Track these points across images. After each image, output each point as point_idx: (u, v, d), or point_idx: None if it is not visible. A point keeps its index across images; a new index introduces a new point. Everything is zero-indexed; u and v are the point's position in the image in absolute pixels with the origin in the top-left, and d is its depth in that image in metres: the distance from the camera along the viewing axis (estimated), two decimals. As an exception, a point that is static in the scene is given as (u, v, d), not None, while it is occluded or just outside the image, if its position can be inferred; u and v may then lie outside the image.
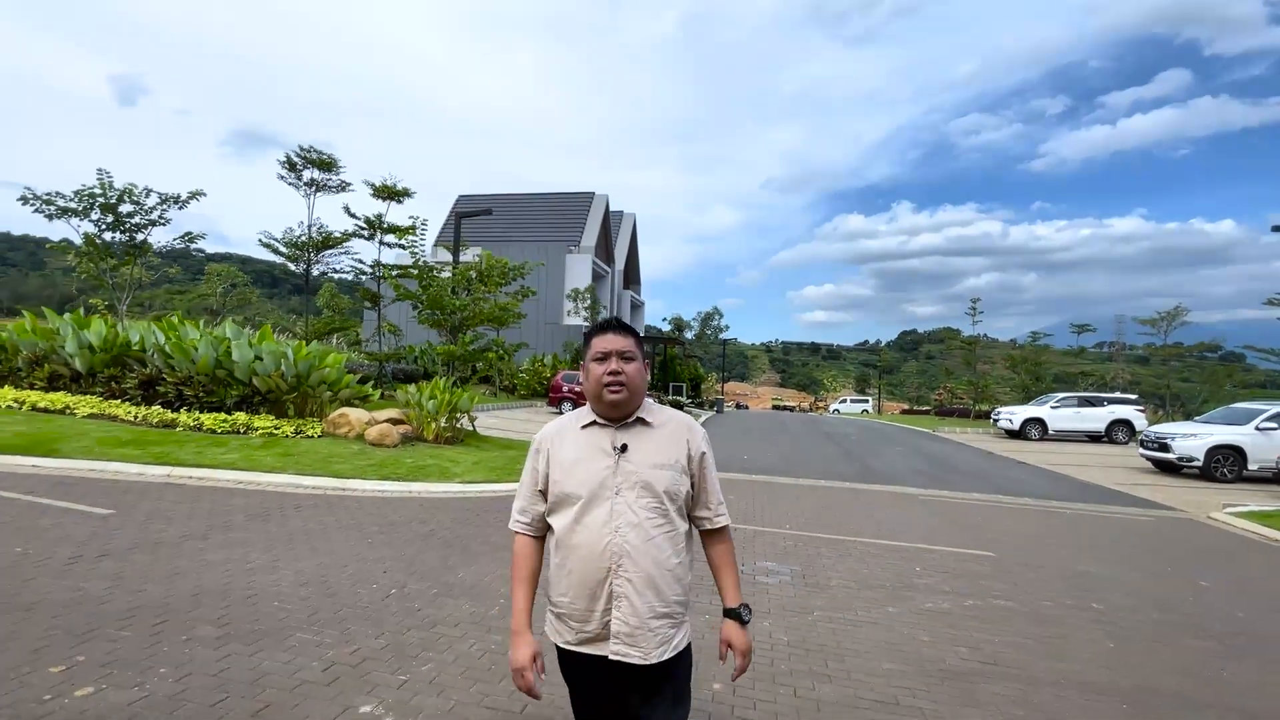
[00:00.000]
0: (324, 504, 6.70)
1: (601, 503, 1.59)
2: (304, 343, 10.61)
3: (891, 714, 3.11)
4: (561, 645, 1.64)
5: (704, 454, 1.71)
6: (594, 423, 1.68)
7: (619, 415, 1.66)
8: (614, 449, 1.63)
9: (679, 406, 28.54)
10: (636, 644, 1.56)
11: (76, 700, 2.67)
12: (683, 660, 1.65)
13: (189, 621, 3.53)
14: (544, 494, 1.70)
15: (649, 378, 1.76)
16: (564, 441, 1.69)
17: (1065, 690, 3.48)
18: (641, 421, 1.68)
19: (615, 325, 1.71)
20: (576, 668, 1.65)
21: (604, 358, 1.64)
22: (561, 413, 21.97)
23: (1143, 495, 10.93)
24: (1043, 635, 4.28)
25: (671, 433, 1.68)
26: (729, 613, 1.70)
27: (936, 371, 59.09)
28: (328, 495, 7.11)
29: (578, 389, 22.40)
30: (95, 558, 4.45)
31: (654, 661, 1.56)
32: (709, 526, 1.74)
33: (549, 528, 1.70)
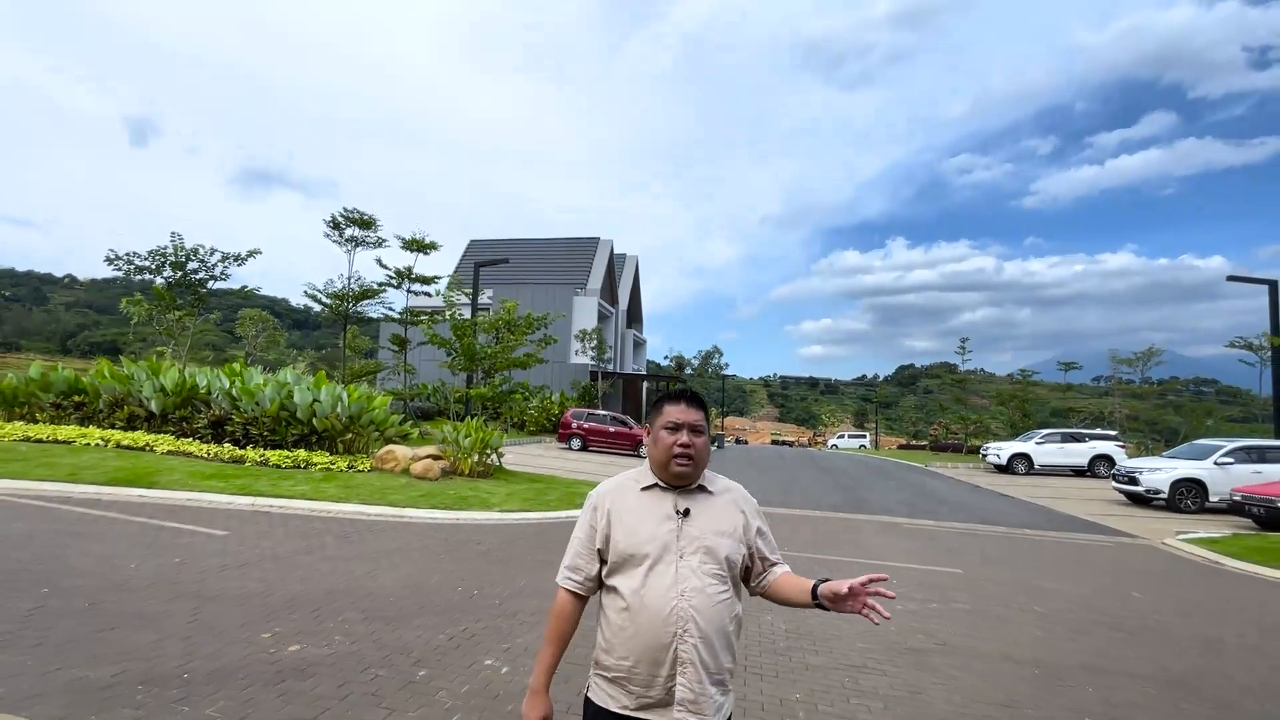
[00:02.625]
0: (390, 528, 7.84)
1: (667, 566, 1.60)
2: (354, 387, 11.85)
3: (861, 674, 4.26)
4: (617, 710, 1.60)
5: (759, 528, 1.76)
6: (655, 485, 1.71)
7: (682, 483, 1.70)
8: (677, 513, 1.65)
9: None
10: (701, 711, 1.54)
11: (292, 653, 3.84)
12: None
13: (336, 609, 4.69)
14: (601, 553, 1.69)
15: (711, 448, 1.92)
16: (625, 501, 1.71)
17: (995, 662, 4.63)
18: (702, 489, 1.72)
19: (690, 397, 1.75)
20: None
21: (676, 428, 1.68)
22: (570, 448, 23.12)
23: (1110, 524, 12.03)
24: (987, 627, 5.43)
25: (730, 502, 1.73)
26: (817, 584, 1.66)
27: (933, 406, 60.22)
28: (390, 521, 8.26)
29: (586, 425, 23.54)
30: (238, 566, 5.62)
31: None
32: (775, 573, 1.76)
33: (595, 589, 1.71)
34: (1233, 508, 12.45)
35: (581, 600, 1.72)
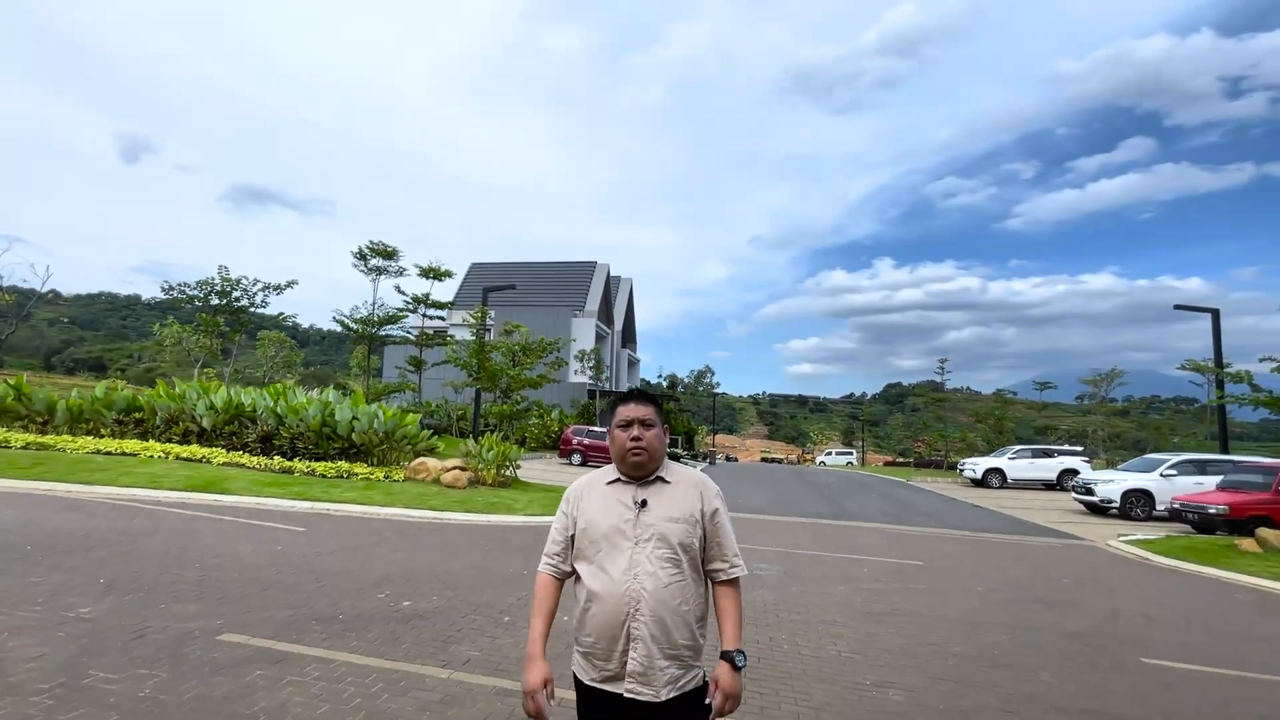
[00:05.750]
0: (435, 528, 9.11)
1: (622, 552, 1.75)
2: (384, 404, 13.13)
3: (831, 625, 5.60)
4: (586, 682, 1.78)
5: (716, 509, 1.86)
6: (618, 480, 1.88)
7: (640, 475, 1.85)
8: (635, 504, 1.80)
9: (676, 459, 30.91)
10: (649, 683, 1.70)
11: (406, 606, 5.14)
12: (692, 702, 1.76)
13: (425, 581, 5.99)
14: (572, 540, 1.87)
15: (667, 440, 1.95)
16: (591, 495, 1.88)
17: (934, 620, 5.99)
18: (660, 480, 1.86)
19: (637, 395, 1.91)
20: (596, 704, 1.77)
21: (628, 425, 1.84)
22: (571, 463, 24.37)
23: (1064, 529, 13.46)
24: (934, 600, 6.80)
25: (686, 490, 1.86)
26: (724, 655, 1.78)
27: (919, 424, 61.91)
28: (433, 523, 9.52)
29: (586, 441, 24.78)
30: (329, 553, 6.89)
31: (664, 699, 1.70)
32: (724, 577, 1.85)
33: (570, 572, 1.88)
34: (1173, 514, 13.92)
35: (558, 581, 1.92)
